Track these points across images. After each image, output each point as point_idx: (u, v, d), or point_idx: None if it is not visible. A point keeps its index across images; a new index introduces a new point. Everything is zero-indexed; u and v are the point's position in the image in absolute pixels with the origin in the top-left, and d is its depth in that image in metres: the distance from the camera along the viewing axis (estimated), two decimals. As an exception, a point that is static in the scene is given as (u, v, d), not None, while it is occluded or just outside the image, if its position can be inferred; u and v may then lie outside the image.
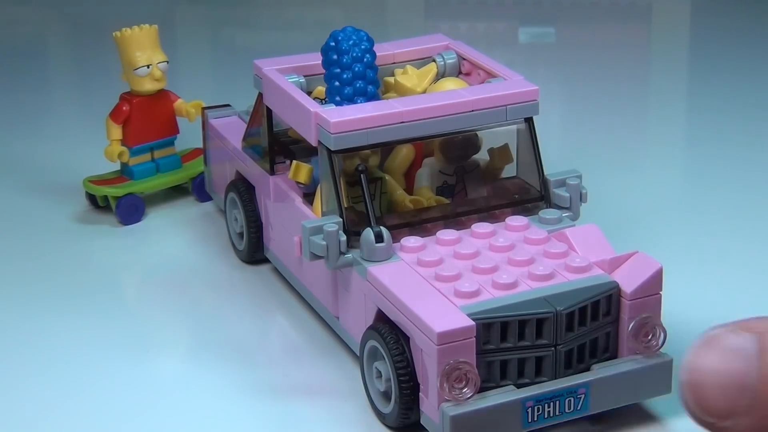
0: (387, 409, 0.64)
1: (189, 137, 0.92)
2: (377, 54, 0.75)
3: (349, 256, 0.67)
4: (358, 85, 0.73)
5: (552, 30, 1.37)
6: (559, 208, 0.72)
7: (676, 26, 1.39)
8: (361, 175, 0.68)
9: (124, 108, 0.88)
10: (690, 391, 0.43)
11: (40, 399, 0.69)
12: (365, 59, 0.74)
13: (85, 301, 0.78)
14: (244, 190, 0.81)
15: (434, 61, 0.78)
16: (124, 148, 0.88)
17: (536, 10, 1.40)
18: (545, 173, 0.73)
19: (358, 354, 0.67)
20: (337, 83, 0.73)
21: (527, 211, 0.72)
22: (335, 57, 0.73)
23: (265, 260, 0.81)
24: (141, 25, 0.87)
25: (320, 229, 0.67)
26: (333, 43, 0.74)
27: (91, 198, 0.90)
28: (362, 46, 0.74)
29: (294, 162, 0.74)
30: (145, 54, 0.87)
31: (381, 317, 0.65)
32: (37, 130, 1.08)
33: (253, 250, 0.81)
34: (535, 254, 0.67)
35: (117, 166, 0.90)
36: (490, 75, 0.76)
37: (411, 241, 0.68)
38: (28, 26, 1.40)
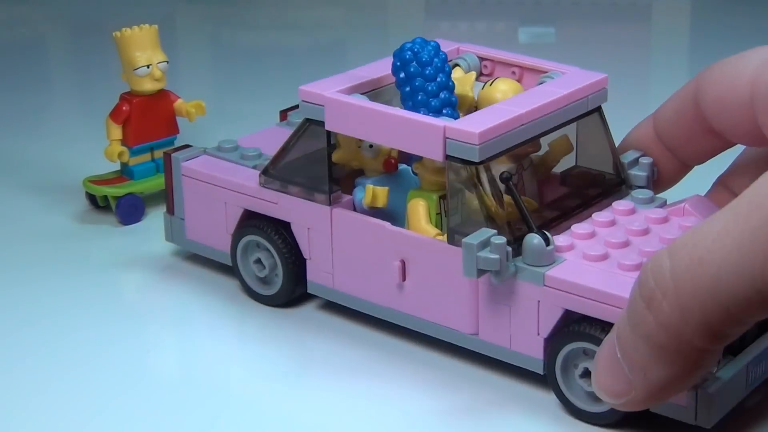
0: (598, 407, 0.65)
1: (189, 137, 0.92)
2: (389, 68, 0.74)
3: (513, 265, 0.66)
4: (443, 95, 0.71)
5: (552, 30, 1.37)
6: (637, 188, 0.74)
7: (676, 26, 1.39)
8: (509, 182, 0.67)
9: (124, 108, 0.88)
10: (595, 386, 0.60)
11: (39, 399, 0.68)
12: (446, 69, 0.71)
13: (84, 301, 0.78)
14: (271, 229, 0.76)
15: (458, 65, 0.78)
16: (124, 148, 0.88)
17: (536, 10, 1.40)
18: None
19: (544, 366, 0.66)
20: (421, 96, 0.70)
21: (613, 197, 0.73)
22: (417, 69, 0.70)
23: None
24: (141, 25, 0.87)
25: (487, 243, 0.65)
26: (410, 55, 0.70)
27: (91, 198, 0.90)
28: (441, 56, 0.71)
29: (369, 187, 0.71)
30: (145, 54, 0.87)
31: (568, 319, 0.65)
32: (37, 130, 1.08)
33: (292, 291, 0.76)
34: (678, 230, 0.68)
35: (117, 166, 0.90)
36: (525, 70, 0.76)
37: (559, 240, 0.67)
38: (28, 26, 1.40)
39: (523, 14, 1.39)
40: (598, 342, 0.63)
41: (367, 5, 1.43)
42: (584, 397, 0.65)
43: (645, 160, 0.74)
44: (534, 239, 0.66)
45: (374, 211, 0.72)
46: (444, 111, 0.70)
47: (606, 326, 0.63)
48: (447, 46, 0.78)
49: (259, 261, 0.77)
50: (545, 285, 0.65)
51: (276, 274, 0.76)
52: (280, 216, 0.75)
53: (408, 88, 0.71)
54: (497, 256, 0.65)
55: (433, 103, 0.70)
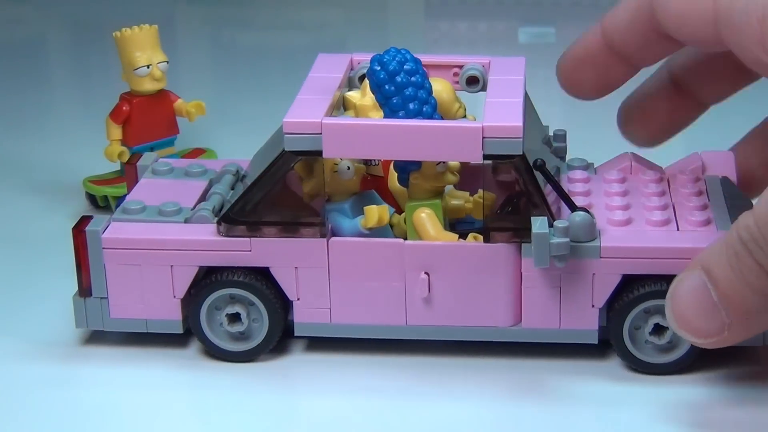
0: (668, 357, 0.68)
1: (189, 137, 0.92)
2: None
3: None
4: (433, 101, 0.70)
5: (552, 30, 1.37)
6: (560, 157, 0.76)
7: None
8: (544, 168, 0.68)
9: (124, 108, 0.88)
10: (682, 331, 0.63)
11: (38, 401, 0.69)
12: (425, 73, 0.71)
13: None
14: (248, 278, 0.70)
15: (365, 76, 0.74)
16: (124, 148, 0.88)
17: (536, 10, 1.40)
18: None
19: (611, 333, 0.68)
20: (414, 105, 0.69)
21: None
22: (406, 78, 0.69)
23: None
24: (141, 25, 0.87)
25: (554, 230, 0.66)
26: (396, 65, 0.69)
27: (91, 198, 0.90)
28: (419, 62, 0.71)
29: (371, 208, 0.69)
30: (145, 54, 0.87)
31: (622, 285, 0.68)
32: (37, 130, 1.08)
33: (276, 338, 0.71)
34: (652, 183, 0.73)
35: (117, 166, 0.90)
36: (429, 68, 0.76)
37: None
38: (28, 26, 1.40)
39: (523, 14, 1.39)
40: (664, 295, 0.66)
41: (367, 5, 1.43)
42: (653, 351, 0.69)
43: (559, 132, 0.78)
44: (578, 217, 0.67)
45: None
46: (436, 116, 0.70)
47: (669, 279, 0.65)
48: (344, 59, 0.77)
49: (235, 316, 0.71)
50: (601, 257, 0.67)
51: (249, 327, 0.71)
52: (255, 263, 0.70)
53: (398, 99, 0.69)
54: (567, 239, 0.66)
55: (425, 109, 0.70)
